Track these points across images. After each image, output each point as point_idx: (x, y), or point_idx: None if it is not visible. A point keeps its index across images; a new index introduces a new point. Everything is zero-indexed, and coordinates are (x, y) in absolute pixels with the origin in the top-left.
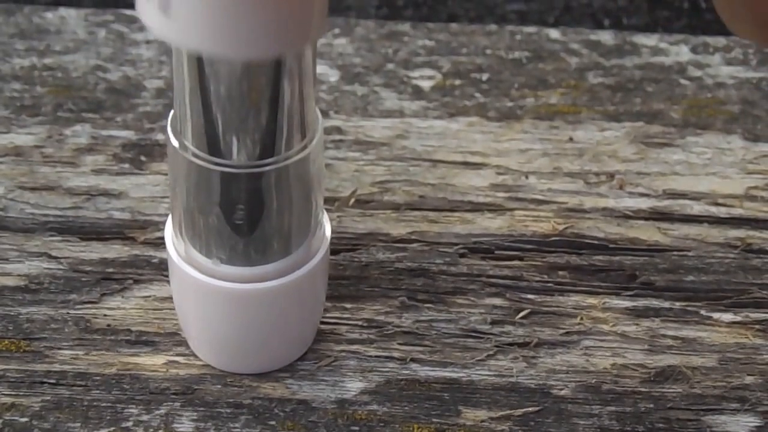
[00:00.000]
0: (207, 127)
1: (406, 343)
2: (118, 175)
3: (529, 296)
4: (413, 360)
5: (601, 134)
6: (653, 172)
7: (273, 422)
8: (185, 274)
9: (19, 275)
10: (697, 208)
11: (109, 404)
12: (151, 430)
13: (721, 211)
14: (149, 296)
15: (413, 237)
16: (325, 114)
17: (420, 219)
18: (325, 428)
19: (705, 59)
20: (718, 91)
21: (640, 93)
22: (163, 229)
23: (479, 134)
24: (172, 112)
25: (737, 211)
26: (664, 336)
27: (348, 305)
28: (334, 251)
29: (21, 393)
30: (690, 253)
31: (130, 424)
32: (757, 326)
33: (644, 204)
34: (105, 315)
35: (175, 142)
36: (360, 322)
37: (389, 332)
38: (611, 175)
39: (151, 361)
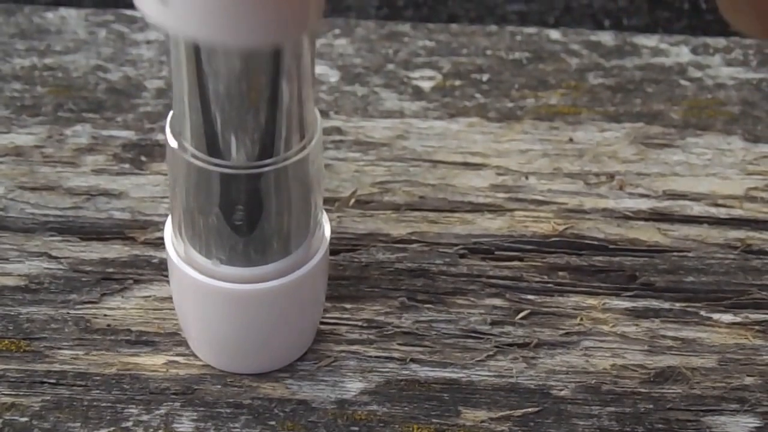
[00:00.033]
0: (206, 127)
1: (405, 344)
2: (118, 175)
3: (529, 297)
4: (413, 360)
5: (601, 135)
6: (653, 172)
7: (273, 422)
8: (185, 274)
9: (19, 275)
10: (697, 208)
11: (109, 404)
12: (151, 430)
13: (721, 212)
14: (149, 296)
15: (413, 237)
16: (325, 114)
17: (420, 219)
18: (325, 428)
19: (705, 60)
20: (719, 92)
21: (641, 94)
22: (163, 229)
23: (479, 135)
24: (171, 112)
25: (737, 212)
26: (664, 337)
27: (348, 305)
28: (334, 251)
29: (21, 393)
30: (690, 254)
31: (130, 424)
32: (756, 327)
33: (644, 205)
34: (105, 315)
35: (174, 143)
36: (360, 323)
37: (389, 333)
38: (611, 176)
39: (151, 361)
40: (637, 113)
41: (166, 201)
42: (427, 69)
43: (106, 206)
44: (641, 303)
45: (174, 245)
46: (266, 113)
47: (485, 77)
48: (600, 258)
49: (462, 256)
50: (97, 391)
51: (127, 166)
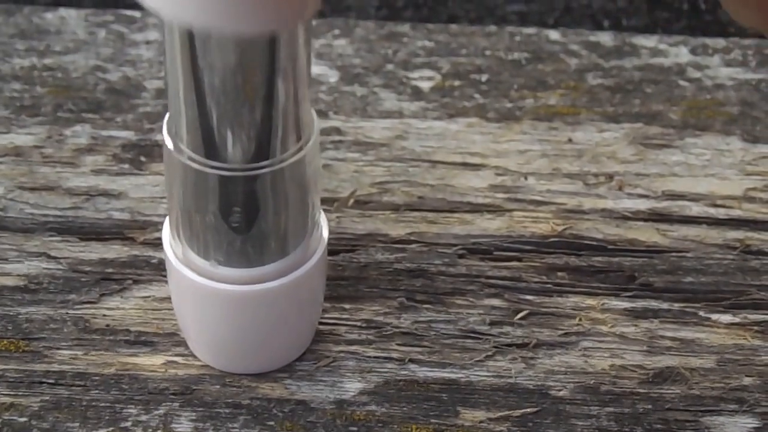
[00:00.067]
0: (202, 127)
1: (404, 344)
2: (117, 176)
3: (528, 297)
4: (412, 360)
5: (600, 135)
6: (652, 173)
7: (271, 422)
8: (183, 276)
9: (18, 275)
10: (695, 209)
11: (107, 404)
12: (150, 430)
13: (720, 213)
14: (148, 296)
15: (412, 238)
16: (324, 115)
17: (419, 220)
18: (324, 429)
19: (704, 60)
20: (717, 93)
21: (640, 94)
22: (162, 230)
23: (478, 135)
24: (167, 114)
25: (736, 213)
26: (663, 337)
27: (347, 306)
28: (333, 252)
29: (20, 393)
30: (689, 255)
31: (128, 424)
32: (755, 327)
33: (643, 205)
34: (104, 315)
35: (170, 145)
36: (359, 323)
37: (388, 333)
38: (610, 176)
39: (150, 362)
40: (636, 114)
41: (165, 201)
42: (426, 69)
43: (105, 206)
44: (640, 303)
45: (172, 247)
46: (262, 113)
47: (484, 78)
48: (599, 258)
49: (461, 256)
50: (96, 391)
51: (126, 166)
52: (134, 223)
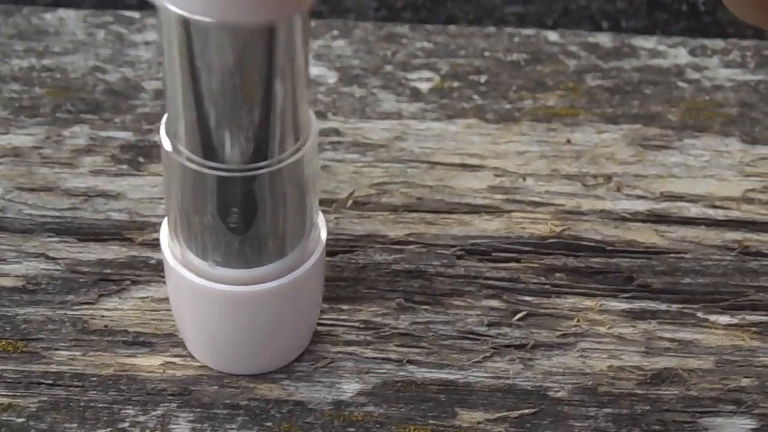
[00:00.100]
0: (200, 129)
1: (402, 345)
2: (116, 176)
3: (526, 298)
4: (410, 361)
5: (599, 136)
6: (651, 174)
7: (269, 423)
8: (181, 276)
9: (16, 276)
10: (694, 210)
11: (105, 405)
12: (148, 431)
13: (719, 214)
14: (146, 297)
15: (410, 239)
16: (323, 116)
17: (417, 221)
18: (322, 429)
19: (703, 62)
20: (716, 94)
21: (638, 95)
22: (160, 231)
23: (477, 136)
24: (165, 115)
25: (734, 214)
26: (661, 338)
27: (345, 307)
28: (331, 253)
29: (18, 393)
30: (687, 256)
31: (126, 425)
32: (753, 328)
33: (641, 206)
34: (102, 316)
35: (168, 146)
36: (357, 324)
37: (386, 334)
38: (609, 178)
39: (148, 362)
40: (635, 115)
41: (164, 202)
42: (425, 70)
43: (103, 207)
44: (638, 304)
45: (170, 247)
46: (260, 113)
47: (483, 79)
48: (597, 259)
49: (459, 257)
50: (94, 392)
51: (125, 167)
52: (133, 224)
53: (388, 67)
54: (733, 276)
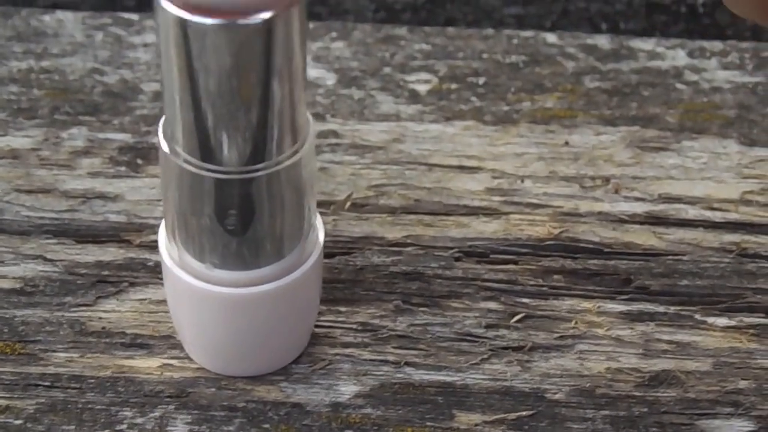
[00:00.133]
0: (198, 130)
1: (400, 347)
2: (114, 178)
3: (524, 300)
4: (407, 363)
5: (597, 138)
6: (649, 176)
7: (267, 425)
8: (179, 278)
9: (14, 278)
10: (692, 212)
11: (103, 407)
12: None
13: (717, 216)
14: (144, 299)
15: (408, 241)
16: (321, 117)
17: (415, 223)
18: (319, 431)
19: (701, 63)
20: (714, 96)
21: (637, 97)
22: (158, 232)
23: (475, 138)
24: (163, 117)
25: (732, 216)
26: (659, 340)
27: (343, 308)
28: (329, 255)
29: (15, 395)
30: (685, 258)
31: (124, 426)
32: (751, 331)
33: (639, 208)
34: (100, 318)
35: (166, 148)
36: (355, 326)
37: (384, 336)
38: (607, 180)
39: (146, 364)
40: (633, 117)
41: (162, 204)
42: (423, 72)
43: (101, 209)
44: (636, 306)
45: (168, 249)
46: (257, 115)
47: (481, 80)
48: (595, 261)
49: (457, 259)
50: (92, 394)
51: (123, 168)
52: (130, 226)
53: (387, 69)
54: (730, 278)
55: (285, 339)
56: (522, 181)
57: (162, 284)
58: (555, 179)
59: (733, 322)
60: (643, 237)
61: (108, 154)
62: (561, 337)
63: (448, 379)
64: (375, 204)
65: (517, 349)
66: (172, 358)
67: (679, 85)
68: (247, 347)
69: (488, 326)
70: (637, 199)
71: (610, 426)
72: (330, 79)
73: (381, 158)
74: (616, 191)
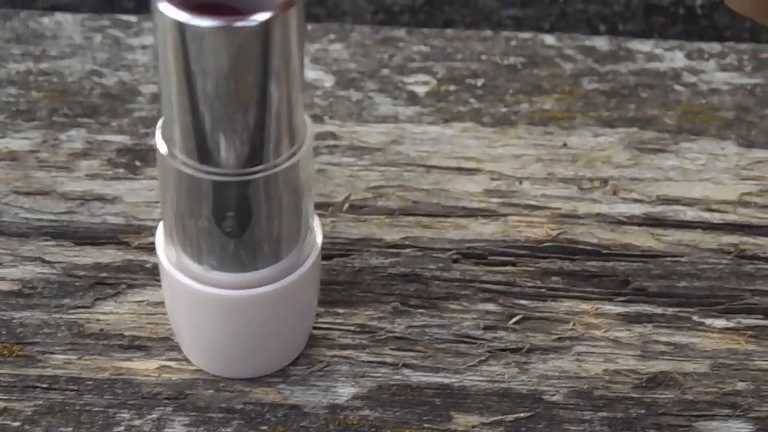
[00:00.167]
0: (195, 134)
1: (398, 349)
2: (112, 180)
3: (522, 302)
4: (405, 365)
5: (595, 140)
6: (647, 177)
7: (265, 427)
8: (176, 280)
9: (12, 280)
10: (690, 213)
11: (101, 409)
12: None
13: (715, 217)
14: (142, 301)
15: (406, 242)
16: (319, 119)
17: (413, 224)
18: None
19: (700, 65)
20: (713, 97)
21: (635, 99)
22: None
23: (473, 140)
24: (161, 119)
25: (730, 217)
26: (657, 342)
27: (341, 310)
28: (327, 256)
29: (13, 397)
30: (683, 259)
31: (122, 428)
32: (749, 332)
33: (638, 210)
34: (98, 320)
35: (164, 150)
36: (352, 328)
37: (382, 337)
38: (605, 181)
39: (144, 366)
40: (631, 118)
41: (160, 206)
42: (421, 74)
43: (100, 211)
44: (634, 308)
45: (166, 251)
46: (255, 117)
47: (480, 82)
48: (593, 263)
49: (455, 261)
50: (90, 396)
51: (121, 170)
52: (129, 228)
53: (385, 71)
54: (728, 279)
55: (283, 341)
56: (520, 183)
57: (160, 286)
58: (553, 181)
59: (731, 324)
60: (641, 238)
61: (106, 156)
62: (559, 338)
63: (446, 380)
64: (373, 205)
65: (515, 350)
66: (170, 359)
67: (677, 87)
68: (244, 349)
69: (486, 328)
70: (636, 201)
71: (607, 428)
72: (328, 81)
73: (379, 160)
74: (615, 193)
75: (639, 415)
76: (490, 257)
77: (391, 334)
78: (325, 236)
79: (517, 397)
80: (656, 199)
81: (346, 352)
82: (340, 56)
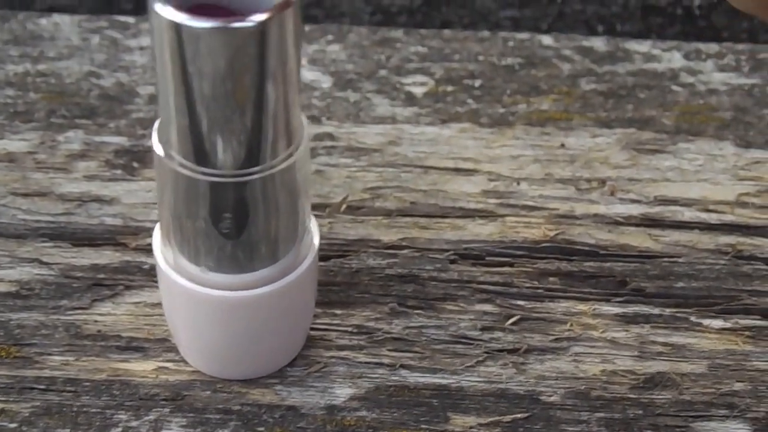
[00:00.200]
0: (192, 135)
1: (395, 350)
2: (110, 181)
3: (519, 302)
4: (403, 366)
5: (593, 140)
6: (645, 178)
7: (262, 428)
8: (173, 282)
9: (10, 281)
10: (688, 214)
11: (98, 410)
12: None
13: (712, 218)
14: (140, 302)
15: (404, 243)
16: (317, 120)
17: (411, 225)
18: None
19: (697, 66)
20: (710, 98)
21: (633, 99)
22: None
23: (471, 140)
24: (158, 121)
25: (728, 218)
26: (654, 342)
27: (338, 311)
28: (324, 257)
29: (11, 399)
30: (680, 260)
31: (119, 430)
32: (746, 333)
33: (635, 210)
34: (95, 321)
35: (161, 152)
36: (350, 328)
37: (379, 338)
38: (603, 182)
39: (141, 367)
40: (629, 119)
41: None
42: (419, 75)
43: (97, 212)
44: (631, 309)
45: (163, 253)
46: (252, 118)
47: (477, 83)
48: (591, 263)
49: (452, 261)
50: (87, 397)
51: (119, 172)
52: (126, 229)
53: (383, 72)
54: (726, 280)
55: (280, 342)
56: (518, 184)
57: (158, 287)
58: (551, 181)
59: (728, 324)
60: (638, 239)
61: (104, 157)
62: (556, 339)
63: (443, 381)
64: (371, 206)
65: (513, 351)
66: (168, 361)
67: (675, 87)
68: (242, 350)
69: (483, 329)
70: (633, 201)
71: (605, 428)
72: (326, 82)
73: (377, 161)
74: (612, 193)
75: (636, 415)
76: (487, 258)
77: (388, 335)
78: (322, 237)
79: (514, 398)
80: (654, 199)
81: (343, 353)
82: (337, 57)
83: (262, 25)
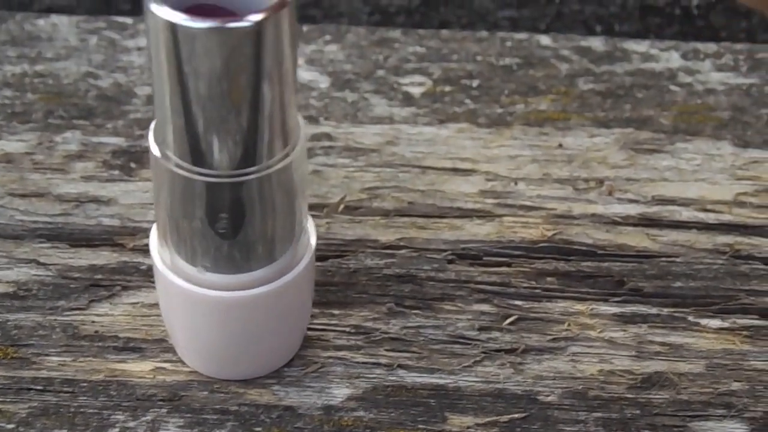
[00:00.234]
0: (188, 135)
1: (393, 350)
2: (107, 182)
3: (517, 302)
4: (400, 366)
5: (591, 140)
6: (642, 178)
7: (259, 429)
8: (170, 282)
9: (7, 282)
10: (685, 214)
11: (95, 410)
12: None
13: (710, 217)
14: (137, 303)
15: (402, 243)
16: (315, 120)
17: (409, 225)
18: None
19: (695, 65)
20: (708, 98)
21: (630, 99)
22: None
23: (469, 140)
24: (154, 121)
25: (726, 218)
26: (652, 342)
27: (335, 311)
28: (322, 257)
29: (8, 399)
30: (678, 259)
31: (116, 430)
32: (744, 332)
33: (633, 210)
34: (93, 321)
35: (157, 152)
36: (347, 329)
37: (376, 338)
38: (600, 182)
39: (138, 368)
40: (627, 119)
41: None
42: (417, 75)
43: (95, 213)
44: (629, 308)
45: (160, 253)
46: (248, 118)
47: (475, 83)
48: (588, 263)
49: (450, 261)
50: (84, 398)
51: (116, 172)
52: (124, 230)
53: (381, 72)
54: (724, 280)
55: (277, 342)
56: (515, 184)
57: (155, 288)
58: (548, 181)
59: (726, 324)
60: (636, 239)
61: (101, 158)
62: (554, 339)
63: (441, 381)
64: (368, 207)
65: (510, 351)
66: (165, 361)
67: (673, 87)
68: (239, 350)
69: (481, 329)
70: (631, 201)
71: (602, 428)
72: (323, 82)
73: (374, 161)
74: (610, 193)
75: (634, 415)
76: (485, 258)
77: (386, 335)
78: (320, 237)
79: (511, 398)
80: (652, 199)
81: (340, 353)
82: (335, 57)
83: (258, 25)
